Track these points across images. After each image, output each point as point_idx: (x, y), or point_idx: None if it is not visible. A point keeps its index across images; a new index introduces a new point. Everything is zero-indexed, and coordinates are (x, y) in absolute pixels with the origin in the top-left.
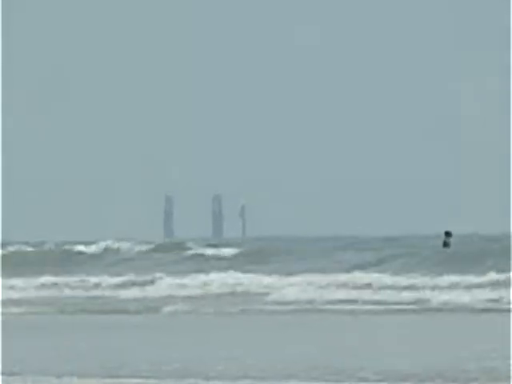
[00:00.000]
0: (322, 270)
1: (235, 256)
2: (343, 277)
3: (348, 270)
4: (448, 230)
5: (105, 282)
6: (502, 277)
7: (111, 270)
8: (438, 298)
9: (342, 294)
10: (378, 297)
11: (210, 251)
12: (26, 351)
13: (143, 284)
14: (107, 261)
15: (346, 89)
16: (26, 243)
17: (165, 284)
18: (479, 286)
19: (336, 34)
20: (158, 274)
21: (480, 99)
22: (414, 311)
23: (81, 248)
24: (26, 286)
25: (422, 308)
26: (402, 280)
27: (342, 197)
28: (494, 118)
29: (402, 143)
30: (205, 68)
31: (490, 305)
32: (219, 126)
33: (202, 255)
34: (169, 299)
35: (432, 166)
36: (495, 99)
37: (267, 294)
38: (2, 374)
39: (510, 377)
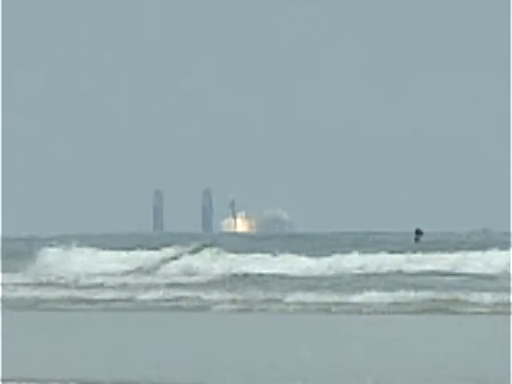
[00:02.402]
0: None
1: None
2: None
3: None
4: (419, 228)
5: None
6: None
7: None
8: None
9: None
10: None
11: None
12: None
13: None
14: None
15: (345, 89)
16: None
17: None
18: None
19: (337, 34)
20: None
21: (479, 101)
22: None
23: None
24: None
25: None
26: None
27: (332, 193)
28: (493, 117)
29: (398, 143)
30: (198, 63)
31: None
32: (210, 122)
33: None
34: None
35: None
36: (495, 100)
37: None
38: None
39: None
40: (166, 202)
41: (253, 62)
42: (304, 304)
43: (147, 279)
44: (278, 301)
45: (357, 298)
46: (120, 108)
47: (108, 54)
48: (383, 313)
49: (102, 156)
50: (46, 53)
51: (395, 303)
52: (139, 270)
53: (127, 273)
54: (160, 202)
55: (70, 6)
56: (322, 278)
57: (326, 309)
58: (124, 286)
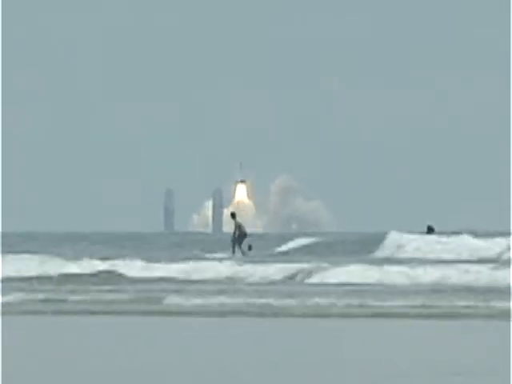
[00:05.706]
0: None
1: None
2: None
3: None
4: (430, 224)
5: None
6: None
7: None
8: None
9: None
10: None
11: None
12: None
13: None
14: None
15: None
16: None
17: None
18: None
19: (334, 31)
20: None
21: (481, 101)
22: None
23: None
24: None
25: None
26: None
27: (346, 193)
28: (493, 117)
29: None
30: (205, 62)
31: None
32: (220, 122)
33: None
34: None
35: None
36: (494, 100)
37: None
38: None
39: None
40: (176, 201)
41: (258, 61)
42: None
43: None
44: None
45: None
46: (129, 107)
47: (113, 52)
48: None
49: (114, 155)
50: (46, 53)
51: None
52: None
53: None
54: (171, 201)
55: (70, 6)
56: None
57: None
58: None
